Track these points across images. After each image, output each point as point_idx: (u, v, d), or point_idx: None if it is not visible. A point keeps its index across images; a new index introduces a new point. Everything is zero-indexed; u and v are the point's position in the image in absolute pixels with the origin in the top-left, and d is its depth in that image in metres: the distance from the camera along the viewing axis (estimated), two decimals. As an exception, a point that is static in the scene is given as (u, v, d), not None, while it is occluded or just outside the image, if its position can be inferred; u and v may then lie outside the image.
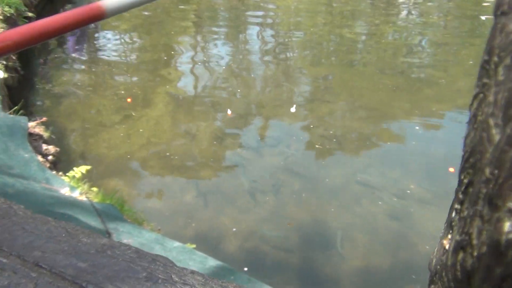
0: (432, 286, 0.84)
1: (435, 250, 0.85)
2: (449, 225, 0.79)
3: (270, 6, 10.61)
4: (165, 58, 7.65)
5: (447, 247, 0.78)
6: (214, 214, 4.36)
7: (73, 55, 7.61)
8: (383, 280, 3.80)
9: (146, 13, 9.84)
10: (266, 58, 7.92)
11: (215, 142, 5.41)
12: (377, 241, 4.11)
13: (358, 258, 3.93)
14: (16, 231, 1.01)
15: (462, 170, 0.75)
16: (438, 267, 0.79)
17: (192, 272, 1.07)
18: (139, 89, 6.50)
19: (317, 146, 5.37)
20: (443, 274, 0.76)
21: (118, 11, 1.72)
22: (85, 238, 1.06)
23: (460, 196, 0.76)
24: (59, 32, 1.54)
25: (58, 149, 4.71)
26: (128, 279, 0.94)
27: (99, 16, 1.61)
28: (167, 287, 0.93)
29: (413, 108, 6.28)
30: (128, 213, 3.79)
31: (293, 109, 6.17)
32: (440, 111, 6.19)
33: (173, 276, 1.00)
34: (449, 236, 0.79)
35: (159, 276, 0.98)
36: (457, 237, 0.73)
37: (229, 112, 5.91)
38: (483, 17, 9.86)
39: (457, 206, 0.77)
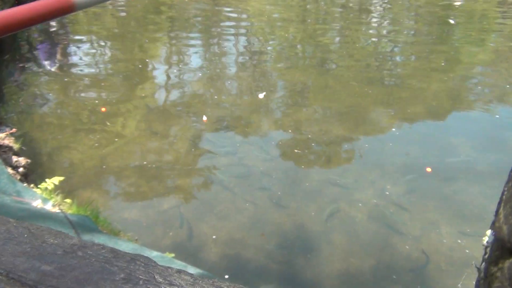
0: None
1: (501, 217, 0.75)
2: None
3: (244, 15, 10.59)
4: (140, 66, 7.51)
5: None
6: (193, 222, 4.26)
7: (45, 63, 7.37)
8: (364, 281, 3.78)
9: (118, 21, 9.70)
10: (241, 66, 7.87)
11: (192, 150, 5.30)
12: (357, 243, 4.09)
13: (339, 261, 3.90)
14: (-30, 233, 0.89)
15: None
16: None
17: (179, 271, 0.96)
18: (113, 99, 6.35)
19: (296, 151, 5.32)
20: None
21: (88, 5, 1.63)
22: (52, 238, 0.94)
23: None
24: (22, 25, 1.43)
25: (29, 160, 4.55)
26: (102, 281, 0.83)
27: (68, 9, 1.51)
28: (150, 288, 0.83)
29: (388, 111, 6.32)
30: (104, 224, 3.67)
31: (261, 95, 6.40)
32: (415, 113, 6.24)
33: (156, 277, 0.89)
34: None
35: (140, 276, 0.87)
36: None
37: (204, 118, 5.82)
38: (452, 21, 10.06)
39: None
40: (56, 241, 0.93)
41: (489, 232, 0.82)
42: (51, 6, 1.48)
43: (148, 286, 0.85)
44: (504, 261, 0.73)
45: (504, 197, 0.76)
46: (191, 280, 0.92)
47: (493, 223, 0.79)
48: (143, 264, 0.94)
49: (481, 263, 0.83)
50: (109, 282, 0.84)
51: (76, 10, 1.56)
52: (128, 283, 0.85)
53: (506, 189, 0.77)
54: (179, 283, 0.90)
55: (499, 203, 0.78)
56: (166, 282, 0.88)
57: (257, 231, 4.17)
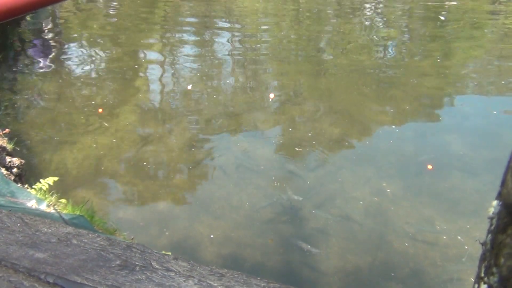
0: None
1: (509, 183, 0.74)
2: None
3: (237, 14, 10.57)
4: (136, 67, 7.47)
5: None
6: (189, 221, 4.23)
7: (38, 64, 7.31)
8: (362, 278, 3.76)
9: (112, 21, 9.65)
10: (236, 64, 7.84)
11: (191, 149, 5.27)
12: (353, 240, 4.07)
13: (336, 258, 3.88)
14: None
15: None
16: None
17: (176, 258, 0.94)
18: (110, 99, 6.31)
19: (297, 149, 5.29)
20: None
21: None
22: (46, 227, 0.92)
23: None
24: (13, 13, 1.39)
25: (23, 161, 4.50)
26: (98, 268, 0.81)
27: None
28: (147, 275, 0.80)
29: (384, 108, 6.31)
30: (99, 224, 3.65)
31: (271, 95, 6.52)
32: (411, 110, 6.24)
33: (153, 263, 0.87)
34: None
35: (136, 263, 0.85)
36: None
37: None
38: (442, 17, 10.08)
39: None
40: (50, 230, 0.91)
41: (495, 202, 0.80)
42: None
43: (145, 272, 0.83)
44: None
45: (510, 164, 0.75)
46: (189, 266, 0.90)
47: (499, 193, 0.78)
48: (139, 251, 0.92)
49: (486, 236, 0.82)
50: (104, 269, 0.82)
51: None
52: (124, 269, 0.83)
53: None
54: (176, 269, 0.88)
55: (506, 172, 0.77)
56: (163, 268, 0.86)
57: (253, 229, 4.15)
